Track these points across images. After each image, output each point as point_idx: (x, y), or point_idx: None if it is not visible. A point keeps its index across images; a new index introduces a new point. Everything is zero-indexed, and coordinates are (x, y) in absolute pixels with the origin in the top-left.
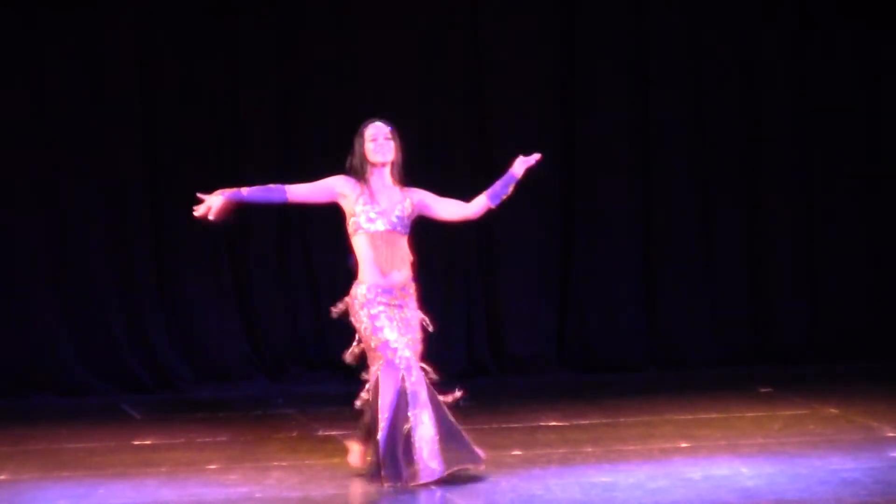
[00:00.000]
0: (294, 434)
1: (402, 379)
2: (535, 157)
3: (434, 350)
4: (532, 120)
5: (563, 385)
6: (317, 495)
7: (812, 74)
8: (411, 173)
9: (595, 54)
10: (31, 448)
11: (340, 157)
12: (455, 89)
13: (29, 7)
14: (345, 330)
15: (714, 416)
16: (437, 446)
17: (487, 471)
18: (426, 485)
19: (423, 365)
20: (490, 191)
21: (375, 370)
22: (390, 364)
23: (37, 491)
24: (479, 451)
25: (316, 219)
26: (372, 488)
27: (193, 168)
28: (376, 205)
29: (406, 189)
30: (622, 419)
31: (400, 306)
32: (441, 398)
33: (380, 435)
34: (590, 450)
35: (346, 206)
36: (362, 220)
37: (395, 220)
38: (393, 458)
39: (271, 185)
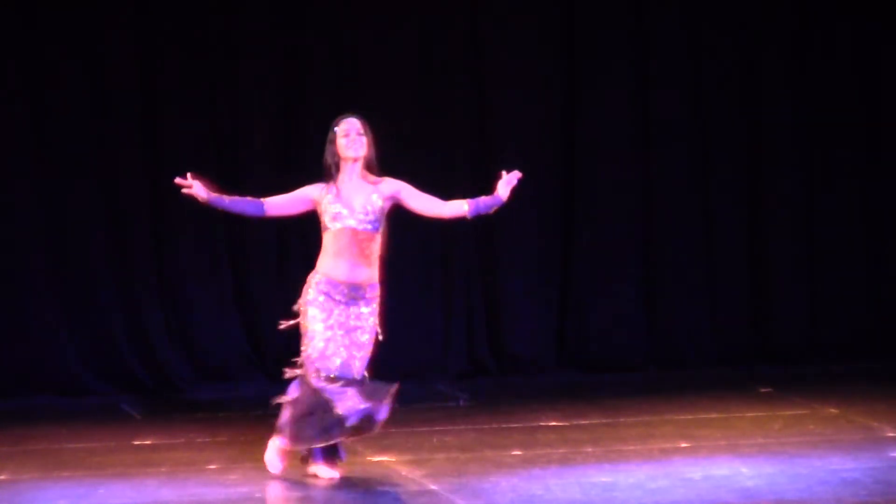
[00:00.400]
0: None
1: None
2: (516, 175)
3: (434, 350)
4: (532, 120)
5: (563, 385)
6: (317, 495)
7: (812, 74)
8: (411, 173)
9: (595, 54)
10: (31, 448)
11: None
12: (455, 89)
13: (29, 7)
14: None
15: (714, 416)
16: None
17: (487, 471)
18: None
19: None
20: (473, 204)
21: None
22: (307, 357)
23: (37, 491)
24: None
25: (316, 219)
26: (371, 488)
27: (194, 168)
28: (343, 203)
29: (377, 181)
30: (622, 419)
31: (347, 304)
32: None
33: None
34: (590, 450)
35: (318, 209)
36: (327, 218)
37: (360, 216)
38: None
39: (250, 199)
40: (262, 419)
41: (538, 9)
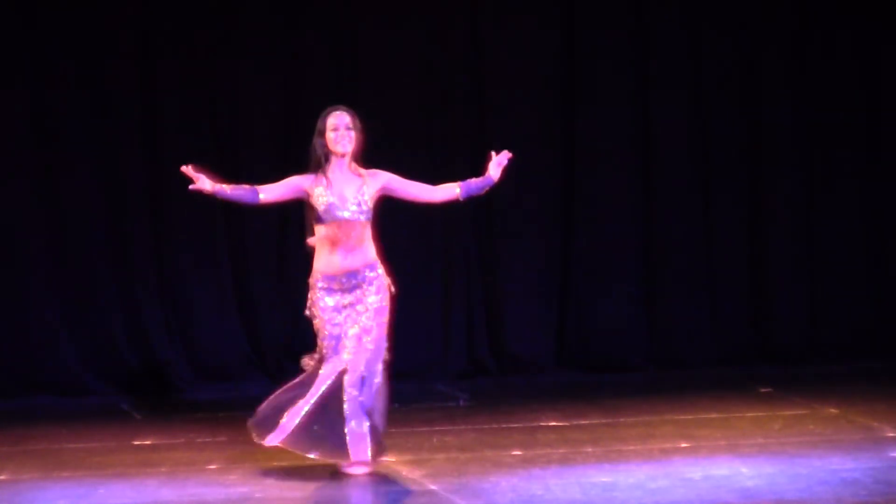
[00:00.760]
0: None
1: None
2: (506, 154)
3: (434, 350)
4: (532, 120)
5: (563, 385)
6: (317, 495)
7: (812, 74)
8: (411, 173)
9: (595, 54)
10: (31, 448)
11: None
12: (455, 89)
13: (29, 6)
14: None
15: (714, 416)
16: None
17: (487, 471)
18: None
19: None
20: (465, 186)
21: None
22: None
23: (37, 491)
24: (353, 453)
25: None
26: (371, 488)
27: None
28: (335, 195)
29: (366, 174)
30: (622, 419)
31: (348, 290)
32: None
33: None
34: (590, 450)
35: (310, 200)
36: (320, 210)
37: (353, 208)
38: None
39: (247, 186)
40: None
41: (538, 9)
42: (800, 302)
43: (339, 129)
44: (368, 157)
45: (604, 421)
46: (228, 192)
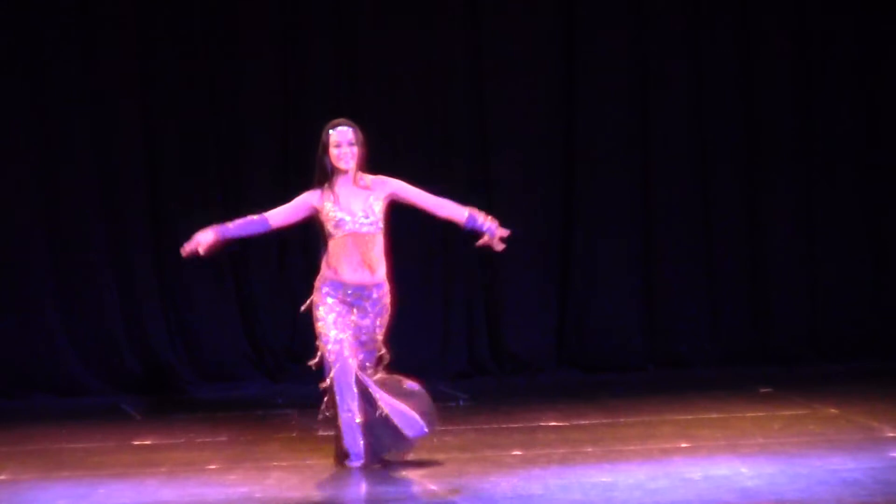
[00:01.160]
0: (294, 434)
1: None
2: (505, 232)
3: (434, 350)
4: (532, 120)
5: (563, 385)
6: (317, 495)
7: (812, 74)
8: (411, 173)
9: (595, 54)
10: (31, 448)
11: None
12: (455, 89)
13: (29, 5)
14: None
15: (714, 416)
16: (360, 434)
17: (487, 471)
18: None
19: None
20: (472, 216)
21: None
22: (325, 355)
23: (37, 491)
24: (411, 433)
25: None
26: (372, 488)
27: (194, 169)
28: (343, 209)
29: (372, 183)
30: (622, 419)
31: (351, 305)
32: (376, 384)
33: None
34: (590, 450)
35: (320, 216)
36: (330, 225)
37: (362, 220)
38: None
39: (254, 217)
40: (262, 419)
41: (538, 8)
42: (800, 302)
43: (342, 146)
44: (369, 157)
45: (604, 421)
46: (233, 229)
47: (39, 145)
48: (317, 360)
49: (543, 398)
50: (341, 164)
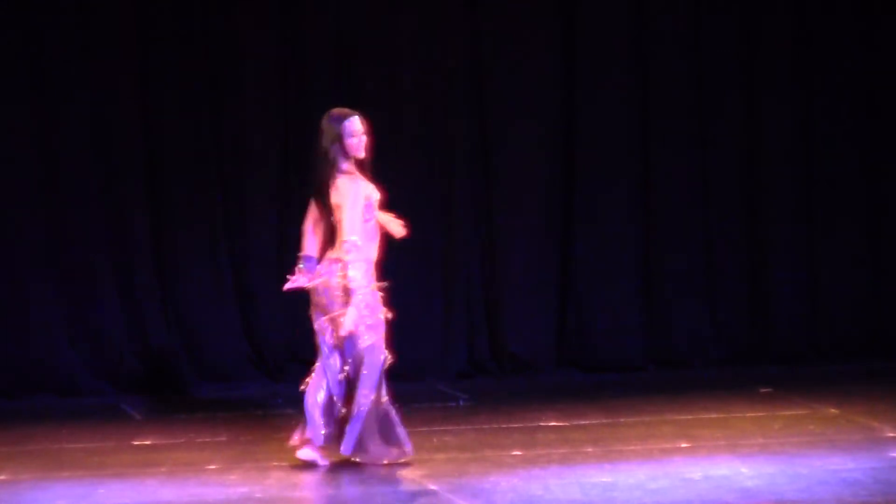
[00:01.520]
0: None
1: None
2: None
3: (434, 350)
4: (532, 120)
5: (563, 385)
6: (317, 495)
7: (812, 73)
8: (410, 173)
9: (595, 54)
10: (31, 448)
11: None
12: (455, 89)
13: (29, 5)
14: None
15: (714, 416)
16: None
17: (487, 471)
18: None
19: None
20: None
21: None
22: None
23: (37, 491)
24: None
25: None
26: (371, 488)
27: (194, 169)
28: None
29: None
30: (622, 419)
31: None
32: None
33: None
34: (590, 450)
35: (370, 202)
36: (373, 211)
37: (375, 205)
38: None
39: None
40: (262, 419)
41: (538, 8)
42: (800, 302)
43: (357, 136)
44: (370, 156)
45: (604, 421)
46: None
47: (39, 145)
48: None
49: (543, 398)
50: (360, 153)
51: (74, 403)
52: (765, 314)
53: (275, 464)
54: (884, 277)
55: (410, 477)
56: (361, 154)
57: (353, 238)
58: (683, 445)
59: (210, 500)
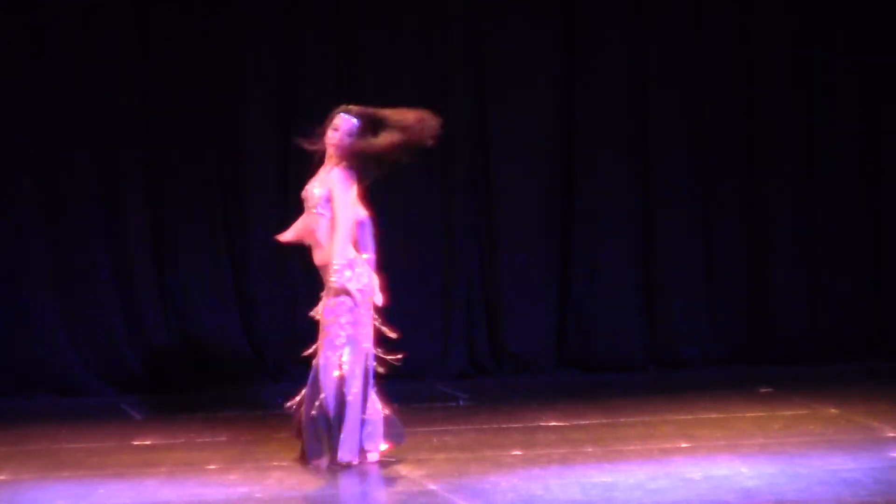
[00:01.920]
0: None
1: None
2: None
3: (434, 350)
4: (532, 120)
5: (563, 385)
6: (316, 495)
7: (813, 73)
8: (410, 173)
9: (595, 54)
10: (31, 448)
11: None
12: (455, 89)
13: (29, 5)
14: None
15: (714, 416)
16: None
17: (487, 471)
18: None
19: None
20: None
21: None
22: None
23: (37, 491)
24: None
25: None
26: (371, 488)
27: (193, 169)
28: (306, 189)
29: (329, 175)
30: (622, 419)
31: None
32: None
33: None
34: (590, 450)
35: None
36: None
37: (310, 203)
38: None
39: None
40: (262, 419)
41: (538, 8)
42: (800, 302)
43: (331, 129)
44: None
45: (604, 421)
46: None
47: (39, 145)
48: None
49: (543, 398)
50: (329, 145)
51: (74, 403)
52: (765, 314)
53: (275, 464)
54: (884, 277)
55: (410, 477)
56: (330, 147)
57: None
58: (683, 445)
59: (210, 500)
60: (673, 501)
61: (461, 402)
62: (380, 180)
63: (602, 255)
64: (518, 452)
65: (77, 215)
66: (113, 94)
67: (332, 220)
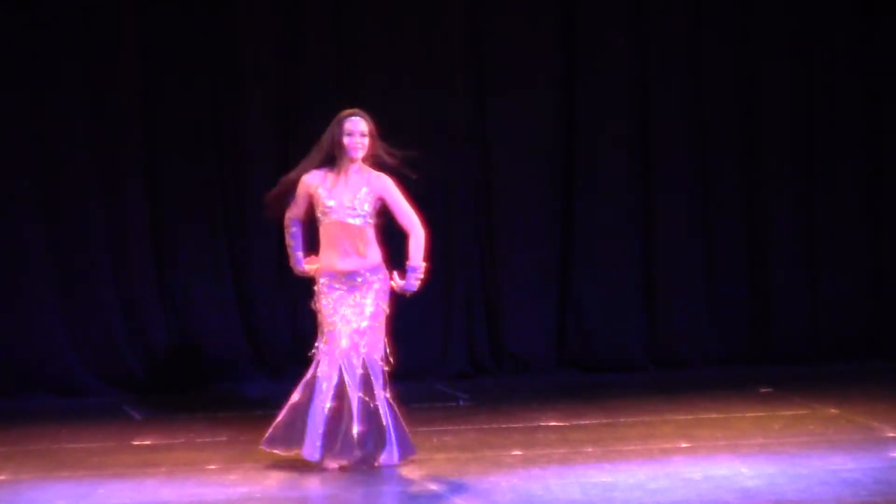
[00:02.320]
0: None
1: (318, 365)
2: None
3: (434, 350)
4: (532, 120)
5: (563, 385)
6: (317, 495)
7: (813, 73)
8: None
9: (595, 54)
10: (31, 448)
11: None
12: (455, 89)
13: (29, 5)
14: None
15: (714, 416)
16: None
17: (487, 471)
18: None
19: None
20: (412, 268)
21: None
22: (322, 348)
23: (37, 491)
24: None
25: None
26: (371, 488)
27: (193, 169)
28: (332, 196)
29: (370, 176)
30: (622, 419)
31: (348, 291)
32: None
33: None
34: (590, 450)
35: (311, 200)
36: (319, 211)
37: (349, 211)
38: (286, 430)
39: (292, 230)
40: (262, 419)
41: (538, 8)
42: (800, 302)
43: (354, 136)
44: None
45: (604, 421)
46: (297, 251)
47: (39, 145)
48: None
49: (543, 398)
50: (351, 154)
51: (74, 403)
52: (765, 314)
53: (275, 464)
54: (884, 277)
55: (410, 477)
56: (352, 154)
57: None
58: (683, 445)
59: (210, 500)
60: (673, 501)
61: (461, 402)
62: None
63: (602, 255)
64: (518, 452)
65: (77, 215)
66: (113, 94)
67: (378, 225)
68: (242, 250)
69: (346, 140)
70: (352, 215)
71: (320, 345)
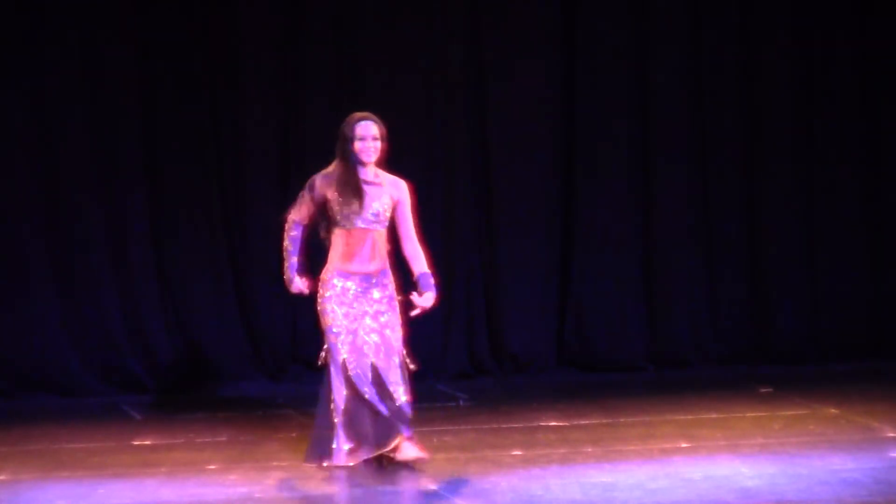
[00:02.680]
0: (294, 434)
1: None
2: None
3: (435, 351)
4: (532, 120)
5: (563, 385)
6: (317, 495)
7: (813, 73)
8: (411, 173)
9: (595, 53)
10: (31, 448)
11: None
12: (455, 89)
13: (30, 5)
14: None
15: (714, 416)
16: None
17: (487, 471)
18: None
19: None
20: (424, 276)
21: (325, 350)
22: (329, 349)
23: (37, 491)
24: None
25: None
26: (371, 488)
27: (193, 170)
28: (350, 202)
29: (388, 182)
30: (622, 419)
31: (362, 292)
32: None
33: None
34: (590, 450)
35: (328, 205)
36: (339, 216)
37: (370, 217)
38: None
39: (293, 234)
40: (262, 419)
41: (538, 9)
42: (800, 302)
43: (367, 140)
44: None
45: (604, 421)
46: (295, 260)
47: (39, 144)
48: (323, 354)
49: (543, 398)
50: (364, 158)
51: (74, 403)
52: (765, 314)
53: (275, 464)
54: (884, 278)
55: (410, 477)
56: (364, 158)
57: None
58: (683, 445)
59: (210, 500)
60: (673, 501)
61: (461, 402)
62: None
63: (602, 255)
64: (518, 452)
65: (77, 216)
66: (113, 94)
67: (405, 228)
68: (242, 250)
69: (357, 145)
70: (373, 221)
71: (330, 345)
